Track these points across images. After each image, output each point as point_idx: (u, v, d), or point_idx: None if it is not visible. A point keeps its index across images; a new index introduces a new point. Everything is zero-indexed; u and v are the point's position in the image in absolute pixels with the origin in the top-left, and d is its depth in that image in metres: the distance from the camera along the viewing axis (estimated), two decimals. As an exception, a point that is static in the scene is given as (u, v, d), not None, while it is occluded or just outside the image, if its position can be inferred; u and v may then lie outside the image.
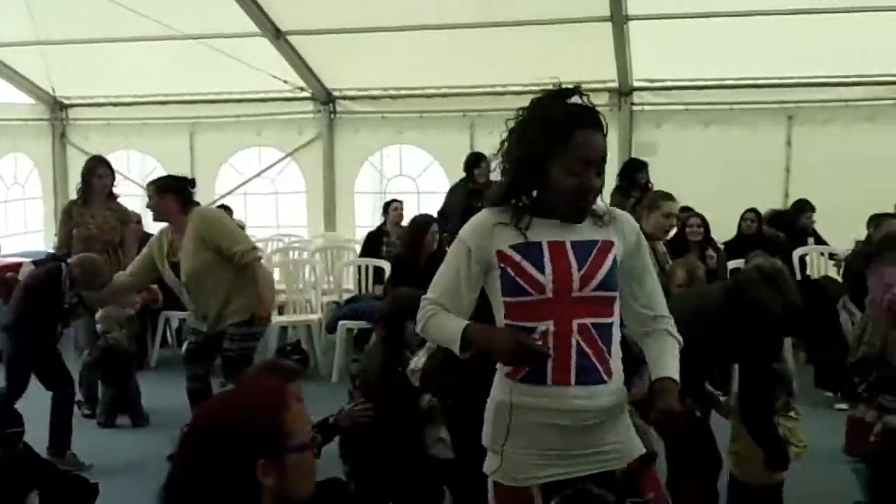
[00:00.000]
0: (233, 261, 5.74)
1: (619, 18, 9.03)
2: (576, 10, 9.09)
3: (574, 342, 2.66)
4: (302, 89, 11.08)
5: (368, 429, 4.27)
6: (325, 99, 11.27)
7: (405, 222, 9.07)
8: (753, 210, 8.99)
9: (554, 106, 2.74)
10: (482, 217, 2.79)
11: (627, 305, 2.81)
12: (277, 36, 9.96)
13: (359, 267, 9.12)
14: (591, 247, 2.72)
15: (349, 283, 9.53)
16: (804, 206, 9.19)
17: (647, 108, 10.35)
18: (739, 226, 8.94)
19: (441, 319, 2.76)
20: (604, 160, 2.70)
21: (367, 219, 11.20)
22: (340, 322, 8.17)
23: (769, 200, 9.52)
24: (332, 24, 9.80)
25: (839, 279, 7.95)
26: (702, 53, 9.64)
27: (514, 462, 2.73)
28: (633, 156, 9.66)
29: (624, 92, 10.23)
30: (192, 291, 5.85)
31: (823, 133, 10.02)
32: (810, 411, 6.84)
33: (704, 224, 7.98)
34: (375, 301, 7.86)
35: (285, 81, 10.70)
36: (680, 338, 2.84)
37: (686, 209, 8.15)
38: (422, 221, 7.60)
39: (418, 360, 4.09)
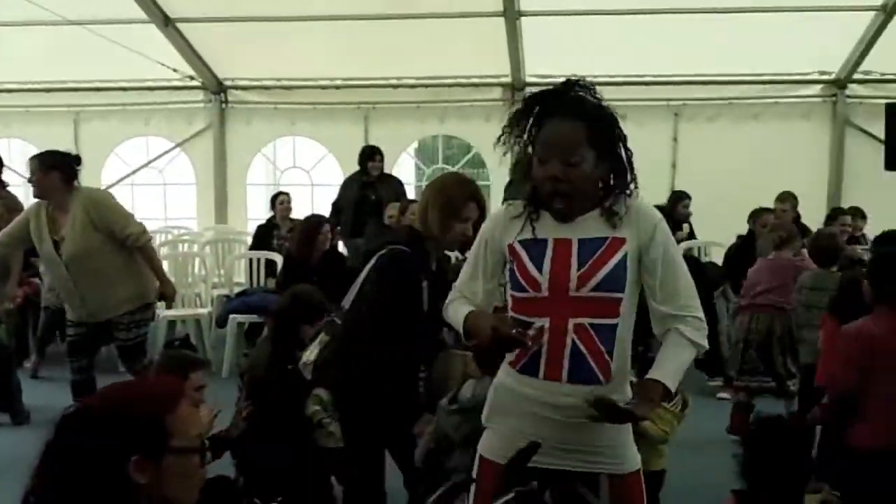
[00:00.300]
0: (126, 243, 5.57)
1: (511, 14, 9.11)
2: (469, 4, 9.13)
3: (569, 341, 2.63)
4: (192, 78, 10.85)
5: (256, 425, 4.23)
6: (217, 88, 11.06)
7: (296, 214, 9.01)
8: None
9: (538, 98, 2.76)
10: (500, 210, 2.88)
11: (649, 303, 2.71)
12: (166, 23, 9.72)
13: (250, 260, 8.99)
14: (597, 245, 2.66)
15: (240, 277, 9.40)
16: (680, 196, 9.44)
17: (539, 103, 10.45)
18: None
19: (456, 306, 2.86)
20: (574, 150, 2.61)
21: (259, 211, 11.04)
22: (231, 316, 8.04)
23: (656, 195, 9.69)
24: (223, 12, 9.63)
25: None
26: (593, 50, 9.79)
27: (502, 441, 2.78)
28: (526, 149, 9.76)
29: (517, 87, 10.32)
30: (73, 273, 5.59)
31: (709, 130, 10.34)
32: (694, 400, 7.15)
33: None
34: (267, 294, 7.78)
35: (174, 70, 10.46)
36: (695, 338, 2.68)
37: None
38: (314, 222, 7.57)
39: (310, 354, 4.05)
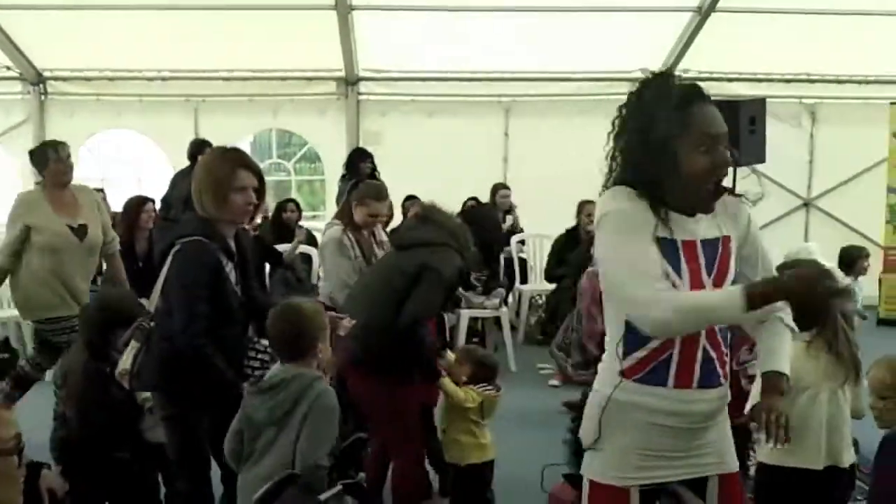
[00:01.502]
0: (107, 248, 5.77)
1: (343, 8, 9.07)
2: (302, -2, 9.09)
3: (701, 346, 2.56)
4: (8, 68, 10.29)
5: (80, 427, 4.08)
6: (35, 79, 10.51)
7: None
8: (474, 198, 9.36)
9: (665, 85, 2.60)
10: (629, 196, 2.54)
11: None
12: (-22, 10, 9.21)
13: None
14: (716, 245, 2.59)
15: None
16: (497, 188, 9.67)
17: (372, 97, 10.47)
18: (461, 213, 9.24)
19: (687, 294, 2.51)
20: (726, 135, 2.52)
21: (83, 207, 10.59)
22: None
23: (489, 188, 9.92)
24: (41, 0, 9.19)
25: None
26: (426, 46, 9.88)
27: (616, 461, 2.62)
28: (361, 145, 9.76)
29: (350, 81, 10.30)
30: (90, 261, 5.68)
31: (538, 125, 10.59)
32: (526, 383, 7.36)
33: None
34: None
35: (-12, 60, 9.93)
36: (794, 325, 2.70)
37: (411, 197, 8.38)
38: (135, 201, 7.52)
39: (125, 362, 3.86)
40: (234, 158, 3.70)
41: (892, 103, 10.09)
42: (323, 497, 3.26)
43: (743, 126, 6.28)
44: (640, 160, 2.53)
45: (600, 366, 2.68)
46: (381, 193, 5.70)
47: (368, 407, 4.50)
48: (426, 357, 4.46)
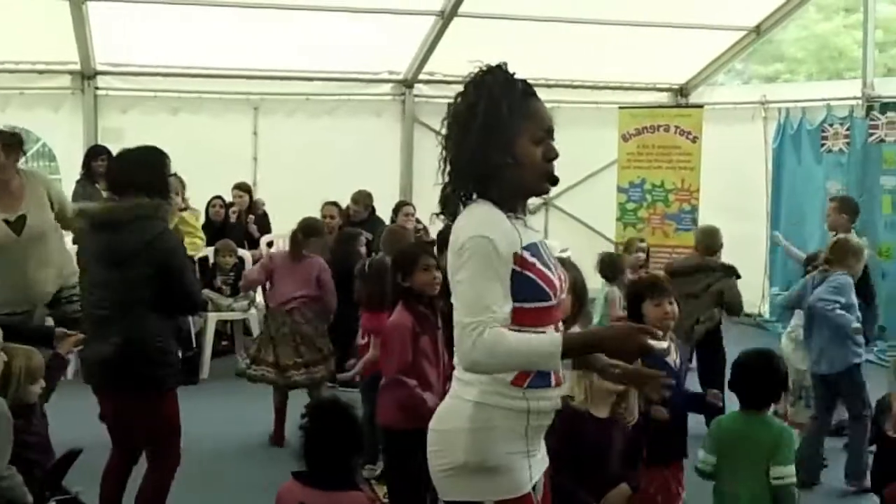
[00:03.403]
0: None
1: (76, -2, 8.59)
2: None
3: None
4: None
5: None
6: None
7: None
8: (220, 197, 9.22)
9: (508, 74, 2.55)
10: (493, 211, 2.51)
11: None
12: None
13: None
14: (545, 245, 2.65)
15: None
16: (242, 187, 9.59)
17: (112, 93, 9.96)
18: (207, 212, 9.12)
19: (517, 336, 2.45)
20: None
21: None
22: None
23: (240, 187, 9.74)
24: None
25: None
26: (169, 41, 9.54)
27: (513, 472, 2.57)
28: (100, 142, 9.28)
29: (87, 75, 9.76)
30: (31, 252, 5.36)
31: (287, 123, 10.51)
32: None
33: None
34: None
35: None
36: None
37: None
38: None
39: None
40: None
41: (620, 108, 10.79)
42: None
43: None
44: (485, 151, 2.52)
45: (465, 383, 2.59)
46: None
47: None
48: None
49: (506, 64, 2.57)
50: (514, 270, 2.47)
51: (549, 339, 2.48)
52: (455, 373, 2.63)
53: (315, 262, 6.58)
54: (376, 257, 6.04)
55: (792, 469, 3.72)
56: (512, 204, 2.56)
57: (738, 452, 3.82)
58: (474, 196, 2.55)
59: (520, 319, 2.49)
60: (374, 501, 3.60)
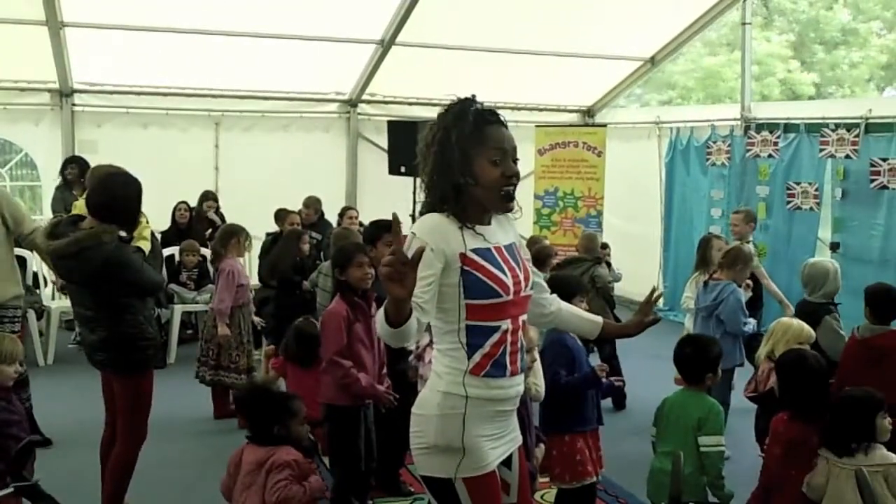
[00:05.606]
0: (21, 240, 5.21)
1: (54, 24, 8.39)
2: (13, 12, 8.28)
3: (519, 336, 2.64)
4: None
5: None
6: None
7: None
8: (185, 202, 9.15)
9: (463, 108, 2.58)
10: (438, 219, 2.55)
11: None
12: None
13: None
14: (512, 249, 2.68)
15: None
16: (207, 196, 9.49)
17: (88, 109, 9.76)
18: (173, 215, 9.11)
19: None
20: (515, 150, 2.63)
21: None
22: None
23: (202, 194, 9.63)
24: None
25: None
26: (139, 62, 9.39)
27: (475, 452, 2.57)
28: (77, 153, 9.10)
29: (65, 93, 9.55)
30: None
31: (245, 137, 10.42)
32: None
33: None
34: None
35: None
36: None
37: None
38: None
39: None
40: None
41: (536, 126, 10.90)
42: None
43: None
44: (443, 173, 2.56)
45: (437, 375, 2.61)
46: None
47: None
48: None
49: (474, 96, 2.63)
50: (462, 269, 2.51)
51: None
52: (433, 365, 2.68)
53: (224, 264, 6.38)
54: (302, 321, 5.63)
55: (719, 439, 3.89)
56: (476, 217, 2.60)
57: (675, 422, 3.99)
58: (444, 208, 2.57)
59: (474, 315, 2.54)
60: (310, 462, 3.65)
